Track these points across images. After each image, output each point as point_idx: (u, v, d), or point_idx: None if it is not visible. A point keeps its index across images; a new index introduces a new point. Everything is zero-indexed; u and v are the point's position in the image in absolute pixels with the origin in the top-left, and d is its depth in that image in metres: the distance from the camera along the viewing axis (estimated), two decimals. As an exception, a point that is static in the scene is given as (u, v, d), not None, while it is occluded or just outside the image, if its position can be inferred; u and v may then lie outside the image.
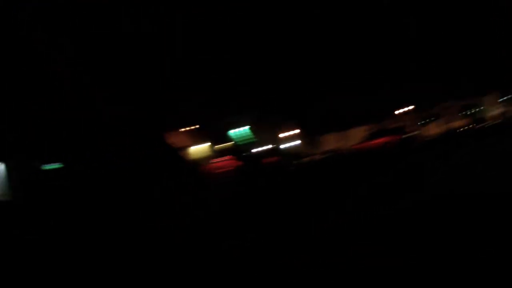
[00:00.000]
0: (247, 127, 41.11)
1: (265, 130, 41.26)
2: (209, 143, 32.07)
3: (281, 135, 43.40)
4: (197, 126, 29.61)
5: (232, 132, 40.91)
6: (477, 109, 63.26)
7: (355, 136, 43.22)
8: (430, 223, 5.62)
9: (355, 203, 6.88)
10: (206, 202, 9.65)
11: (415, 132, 33.72)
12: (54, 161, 21.23)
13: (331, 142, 44.61)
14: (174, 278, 5.31)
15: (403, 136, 27.49)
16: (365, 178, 11.94)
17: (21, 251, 7.60)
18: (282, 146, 41.24)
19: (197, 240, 5.98)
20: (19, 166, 21.89)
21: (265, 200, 7.39)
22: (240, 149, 34.41)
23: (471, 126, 51.49)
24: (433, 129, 58.65)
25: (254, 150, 36.81)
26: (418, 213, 6.07)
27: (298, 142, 47.27)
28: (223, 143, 37.22)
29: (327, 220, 6.35)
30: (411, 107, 52.43)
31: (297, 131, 44.31)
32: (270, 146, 40.50)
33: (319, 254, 5.36)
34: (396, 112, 52.98)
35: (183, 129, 28.68)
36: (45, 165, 22.15)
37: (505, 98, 56.14)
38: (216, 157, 27.97)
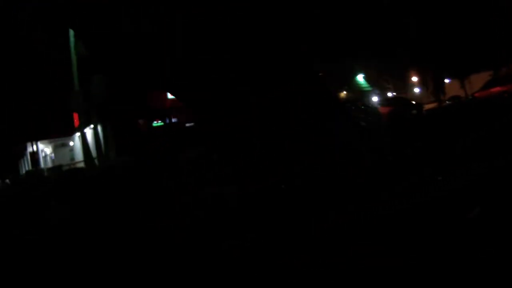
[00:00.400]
0: (361, 75, 40.56)
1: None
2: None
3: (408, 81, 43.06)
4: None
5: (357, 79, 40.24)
6: None
7: (477, 83, 42.83)
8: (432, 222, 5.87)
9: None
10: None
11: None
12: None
13: (454, 88, 43.75)
14: (174, 278, 5.48)
15: None
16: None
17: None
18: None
19: (197, 240, 6.14)
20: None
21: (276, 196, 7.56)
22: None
23: None
24: None
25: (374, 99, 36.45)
26: (417, 213, 6.10)
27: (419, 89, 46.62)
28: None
29: (327, 220, 6.44)
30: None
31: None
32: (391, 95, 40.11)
33: (319, 254, 5.41)
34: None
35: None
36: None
37: None
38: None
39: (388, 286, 4.52)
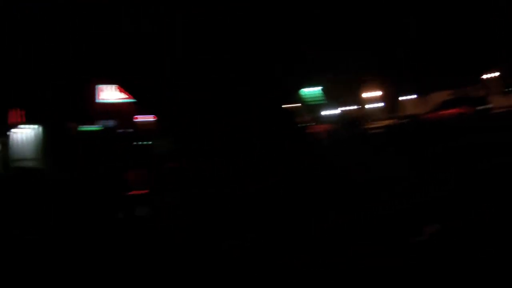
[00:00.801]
0: (319, 88, 40.39)
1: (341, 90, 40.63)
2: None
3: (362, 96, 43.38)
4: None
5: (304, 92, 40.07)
6: None
7: (435, 102, 43.21)
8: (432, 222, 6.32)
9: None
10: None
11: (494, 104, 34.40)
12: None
13: (410, 106, 43.81)
14: (175, 278, 5.68)
15: (480, 108, 27.57)
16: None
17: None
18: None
19: (197, 239, 6.37)
20: (55, 128, 22.39)
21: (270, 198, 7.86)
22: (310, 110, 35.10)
23: None
24: None
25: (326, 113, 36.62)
26: (417, 213, 6.45)
27: (379, 104, 46.73)
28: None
29: (327, 220, 6.69)
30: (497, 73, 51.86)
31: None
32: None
33: (319, 254, 5.64)
34: (483, 77, 52.24)
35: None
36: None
37: None
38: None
39: (388, 286, 4.74)
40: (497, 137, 13.78)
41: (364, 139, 23.47)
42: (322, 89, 40.99)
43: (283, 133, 18.50)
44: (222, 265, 5.68)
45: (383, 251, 5.50)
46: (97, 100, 24.19)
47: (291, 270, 5.39)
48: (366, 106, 47.56)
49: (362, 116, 39.17)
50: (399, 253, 5.41)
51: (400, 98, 46.35)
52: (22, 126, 22.66)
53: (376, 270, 5.06)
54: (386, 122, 38.23)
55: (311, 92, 41.07)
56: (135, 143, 19.51)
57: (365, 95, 45.87)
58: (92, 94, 24.24)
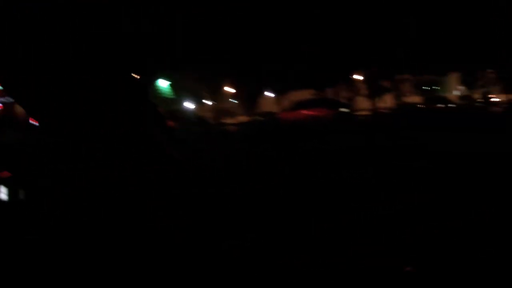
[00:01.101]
0: (167, 82, 38.50)
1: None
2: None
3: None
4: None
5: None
6: (437, 88, 68.18)
7: (292, 101, 43.22)
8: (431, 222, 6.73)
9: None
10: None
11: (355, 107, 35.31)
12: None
13: (268, 104, 43.66)
14: (173, 278, 5.49)
15: (341, 110, 28.19)
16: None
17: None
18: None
19: (197, 239, 6.17)
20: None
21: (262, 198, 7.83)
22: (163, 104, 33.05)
23: (428, 104, 55.17)
24: (384, 102, 61.05)
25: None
26: (418, 213, 6.85)
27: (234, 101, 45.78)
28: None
29: (327, 220, 6.88)
30: (360, 77, 53.75)
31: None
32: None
33: (319, 254, 5.80)
34: (350, 77, 53.59)
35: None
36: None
37: (468, 80, 60.68)
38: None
39: (388, 286, 4.94)
40: (351, 141, 15.28)
41: (210, 136, 24.14)
42: (171, 84, 41.10)
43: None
44: (222, 265, 5.64)
45: (383, 251, 5.71)
46: None
47: (291, 270, 5.48)
48: (224, 102, 48.53)
49: (216, 112, 40.07)
50: (399, 253, 5.65)
51: (261, 95, 48.14)
52: None
53: (376, 270, 5.24)
54: (241, 119, 39.45)
55: (162, 86, 41.00)
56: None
57: (224, 90, 46.79)
58: None
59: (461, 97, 58.53)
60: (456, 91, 65.41)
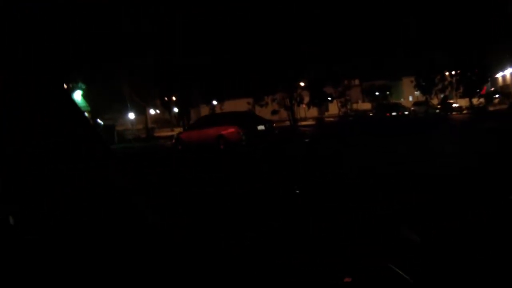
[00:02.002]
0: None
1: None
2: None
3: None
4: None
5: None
6: (389, 94, 69.00)
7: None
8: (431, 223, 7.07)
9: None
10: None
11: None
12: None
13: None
14: (173, 278, 6.07)
15: (255, 128, 25.45)
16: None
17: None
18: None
19: (196, 238, 6.79)
20: None
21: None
22: None
23: (376, 112, 55.56)
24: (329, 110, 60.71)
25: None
26: (418, 213, 7.52)
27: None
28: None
29: (326, 220, 7.51)
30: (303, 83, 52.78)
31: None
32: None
33: (317, 254, 6.33)
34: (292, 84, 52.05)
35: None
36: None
37: (424, 86, 61.06)
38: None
39: (388, 286, 5.41)
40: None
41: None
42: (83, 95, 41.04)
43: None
44: (221, 264, 6.26)
45: (383, 251, 6.28)
46: None
47: (290, 270, 6.01)
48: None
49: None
50: (399, 253, 6.20)
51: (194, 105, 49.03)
52: None
53: (376, 270, 5.80)
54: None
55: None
56: None
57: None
58: None
59: (417, 103, 61.00)
60: (411, 97, 68.15)
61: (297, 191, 9.68)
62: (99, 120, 44.44)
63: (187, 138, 27.71)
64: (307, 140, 26.54)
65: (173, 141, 29.50)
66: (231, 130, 25.31)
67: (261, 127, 26.17)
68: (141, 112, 66.04)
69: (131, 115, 63.21)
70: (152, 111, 63.72)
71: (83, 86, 42.20)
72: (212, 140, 25.52)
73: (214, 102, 61.37)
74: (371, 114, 56.23)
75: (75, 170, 7.34)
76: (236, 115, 28.55)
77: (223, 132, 25.40)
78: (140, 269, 5.94)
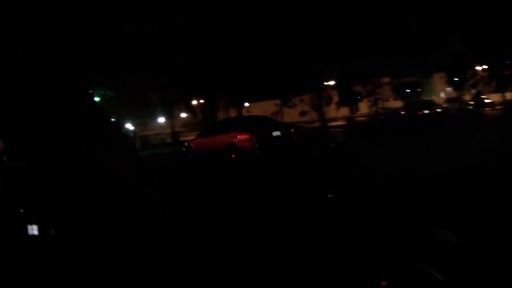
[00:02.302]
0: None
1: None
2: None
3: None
4: None
5: None
6: (420, 91, 68.66)
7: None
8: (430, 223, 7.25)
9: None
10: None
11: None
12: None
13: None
14: (173, 278, 6.32)
15: (269, 134, 23.76)
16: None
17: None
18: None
19: (196, 239, 7.01)
20: None
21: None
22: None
23: (408, 110, 55.21)
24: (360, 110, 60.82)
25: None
26: (418, 213, 7.59)
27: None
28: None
29: (327, 220, 7.67)
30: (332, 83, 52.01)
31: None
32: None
33: (319, 254, 6.44)
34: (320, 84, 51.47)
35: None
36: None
37: (457, 82, 60.39)
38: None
39: (388, 286, 5.51)
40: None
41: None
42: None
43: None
44: (222, 265, 6.42)
45: (383, 251, 6.36)
46: None
47: (291, 270, 6.14)
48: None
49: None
50: (399, 253, 6.27)
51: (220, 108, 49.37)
52: None
53: (376, 270, 5.90)
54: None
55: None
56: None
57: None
58: None
59: (449, 100, 60.35)
60: (442, 94, 67.29)
61: (330, 195, 9.81)
62: (128, 126, 44.91)
63: (198, 146, 26.43)
64: (332, 145, 26.13)
65: (184, 149, 28.14)
66: (243, 137, 23.71)
67: (276, 133, 24.23)
68: (173, 115, 66.49)
69: (161, 119, 63.70)
70: (183, 114, 64.13)
71: (110, 93, 42.81)
72: (223, 148, 24.08)
73: (246, 104, 61.55)
74: (402, 112, 55.62)
75: (77, 169, 7.62)
76: (249, 120, 27.32)
77: (234, 140, 23.91)
78: (142, 269, 6.14)
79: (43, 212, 8.00)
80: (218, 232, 6.77)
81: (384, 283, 5.55)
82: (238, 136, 23.90)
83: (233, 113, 54.83)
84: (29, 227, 7.87)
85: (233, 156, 23.57)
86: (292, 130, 26.19)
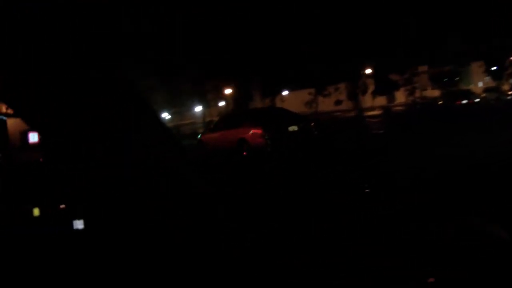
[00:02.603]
0: None
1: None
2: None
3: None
4: None
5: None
6: (458, 80, 68.38)
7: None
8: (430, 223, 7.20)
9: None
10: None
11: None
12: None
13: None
14: (173, 278, 6.24)
15: (285, 129, 21.33)
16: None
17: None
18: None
19: (196, 239, 7.23)
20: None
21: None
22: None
23: (446, 100, 55.03)
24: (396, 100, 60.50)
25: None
26: (418, 214, 7.62)
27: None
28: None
29: (327, 220, 7.73)
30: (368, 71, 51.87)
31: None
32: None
33: (319, 254, 6.56)
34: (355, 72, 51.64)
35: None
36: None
37: (494, 71, 60.02)
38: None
39: (388, 286, 5.63)
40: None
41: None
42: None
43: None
44: (222, 265, 6.44)
45: (383, 251, 6.46)
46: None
47: (291, 270, 6.24)
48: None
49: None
50: (399, 253, 6.41)
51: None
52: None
53: (376, 270, 6.02)
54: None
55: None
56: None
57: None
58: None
59: (488, 89, 59.41)
60: (480, 83, 66.05)
61: (367, 190, 9.89)
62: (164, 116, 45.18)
63: (209, 140, 24.12)
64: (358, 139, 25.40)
65: (197, 143, 25.70)
66: (254, 132, 21.33)
67: (293, 128, 21.76)
68: (212, 104, 66.40)
69: (198, 108, 63.87)
70: (222, 103, 64.24)
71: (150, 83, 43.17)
72: (234, 144, 21.87)
73: (285, 93, 61.28)
74: (440, 102, 54.90)
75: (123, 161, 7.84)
76: (263, 114, 24.45)
77: (245, 135, 21.57)
78: (142, 269, 6.35)
79: (86, 207, 8.32)
80: (218, 232, 6.89)
81: (431, 279, 5.62)
82: (250, 132, 21.53)
83: (266, 102, 54.72)
84: (74, 222, 8.19)
85: (244, 153, 21.51)
86: (312, 124, 23.45)
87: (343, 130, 30.01)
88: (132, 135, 7.75)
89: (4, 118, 24.33)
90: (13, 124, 24.16)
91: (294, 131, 21.75)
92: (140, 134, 8.09)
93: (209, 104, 60.28)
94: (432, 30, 42.72)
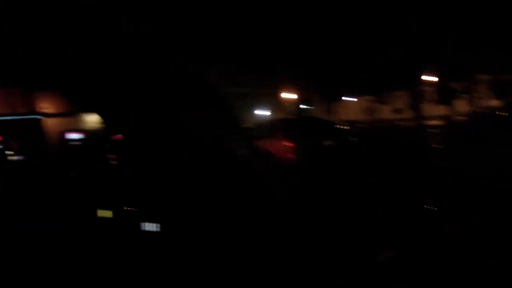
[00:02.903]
0: None
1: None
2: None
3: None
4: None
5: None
6: None
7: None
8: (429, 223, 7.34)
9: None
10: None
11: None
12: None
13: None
14: (173, 278, 6.29)
15: (317, 143, 18.75)
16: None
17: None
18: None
19: (197, 239, 7.44)
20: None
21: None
22: None
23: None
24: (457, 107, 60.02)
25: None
26: (418, 214, 7.72)
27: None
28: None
29: (327, 220, 7.81)
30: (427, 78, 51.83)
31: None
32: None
33: (319, 254, 6.62)
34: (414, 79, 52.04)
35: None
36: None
37: None
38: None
39: (388, 286, 5.71)
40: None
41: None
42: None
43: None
44: (222, 265, 6.49)
45: (383, 251, 6.49)
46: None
47: (291, 270, 6.29)
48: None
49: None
50: (399, 253, 6.47)
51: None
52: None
53: (376, 270, 6.10)
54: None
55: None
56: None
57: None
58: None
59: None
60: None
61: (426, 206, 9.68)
62: None
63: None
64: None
65: None
66: (281, 145, 19.02)
67: (328, 142, 19.55)
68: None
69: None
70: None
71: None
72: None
73: (346, 97, 59.99)
74: (503, 113, 52.87)
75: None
76: (296, 124, 21.99)
77: (273, 149, 18.28)
78: (143, 269, 6.57)
79: (162, 210, 8.61)
80: (219, 232, 7.08)
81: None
82: (276, 144, 18.80)
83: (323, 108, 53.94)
84: (143, 224, 8.48)
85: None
86: (350, 138, 21.22)
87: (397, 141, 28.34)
88: (219, 142, 7.91)
89: (40, 117, 25.05)
90: (53, 123, 24.88)
91: (328, 145, 19.53)
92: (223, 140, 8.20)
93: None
94: (496, 37, 41.44)
